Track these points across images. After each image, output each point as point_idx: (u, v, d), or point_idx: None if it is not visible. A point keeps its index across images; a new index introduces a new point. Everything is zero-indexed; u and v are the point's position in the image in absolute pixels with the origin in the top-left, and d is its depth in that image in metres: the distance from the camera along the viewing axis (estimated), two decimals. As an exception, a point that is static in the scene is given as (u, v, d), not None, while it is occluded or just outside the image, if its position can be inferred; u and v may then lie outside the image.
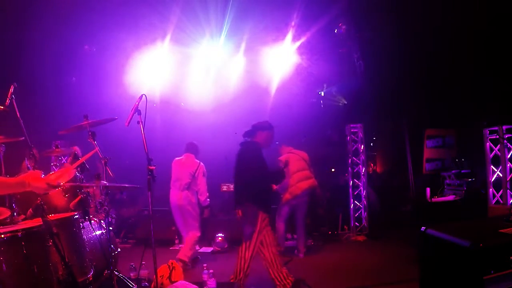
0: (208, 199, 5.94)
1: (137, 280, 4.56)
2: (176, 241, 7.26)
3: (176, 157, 6.03)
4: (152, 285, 4.30)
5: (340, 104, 9.83)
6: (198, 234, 5.87)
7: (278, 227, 6.27)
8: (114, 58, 8.07)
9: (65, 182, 3.72)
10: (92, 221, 4.15)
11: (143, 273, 4.81)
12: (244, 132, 4.68)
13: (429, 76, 7.91)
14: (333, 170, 10.38)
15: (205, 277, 4.64)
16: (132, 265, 4.89)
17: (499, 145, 6.13)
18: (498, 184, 6.21)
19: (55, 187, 2.69)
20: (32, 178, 2.58)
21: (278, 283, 4.32)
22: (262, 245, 4.34)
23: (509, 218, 2.78)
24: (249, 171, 4.38)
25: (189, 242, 5.78)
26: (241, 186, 4.49)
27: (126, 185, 4.08)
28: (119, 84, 8.17)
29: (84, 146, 5.28)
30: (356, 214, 7.85)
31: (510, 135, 6.02)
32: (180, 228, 6.03)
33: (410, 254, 5.39)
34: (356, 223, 7.79)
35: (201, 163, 5.92)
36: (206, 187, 5.90)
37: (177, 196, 5.79)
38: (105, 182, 3.87)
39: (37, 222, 3.00)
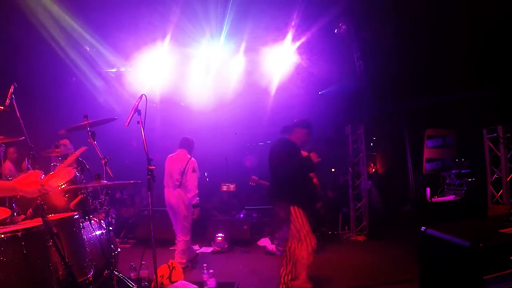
0: (197, 198, 5.55)
1: (137, 280, 4.56)
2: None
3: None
4: (152, 285, 4.30)
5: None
6: (187, 238, 5.60)
7: None
8: (114, 58, 8.08)
9: (65, 184, 3.74)
10: (92, 221, 4.16)
11: (143, 273, 4.81)
12: (282, 128, 4.56)
13: (429, 76, 7.91)
14: (333, 170, 10.38)
15: (205, 277, 4.65)
16: (132, 265, 4.90)
17: (499, 145, 6.13)
18: (498, 184, 6.21)
19: (50, 190, 2.68)
20: (23, 184, 2.57)
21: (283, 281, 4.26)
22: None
23: (509, 218, 2.79)
24: (278, 168, 4.27)
25: (179, 249, 5.58)
26: (272, 183, 4.49)
27: (127, 182, 4.06)
28: (119, 84, 8.18)
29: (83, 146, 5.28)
30: (356, 214, 7.85)
31: (510, 135, 6.02)
32: (174, 227, 5.80)
33: (410, 254, 5.38)
34: (356, 223, 7.79)
35: (192, 159, 5.63)
36: (195, 184, 5.52)
37: (169, 194, 5.57)
38: (105, 182, 3.86)
39: (37, 222, 3.00)
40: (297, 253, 4.19)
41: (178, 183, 5.52)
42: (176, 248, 5.74)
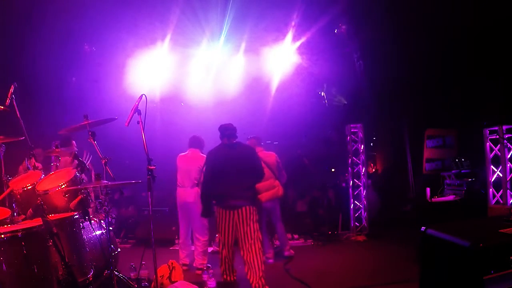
0: None
1: (137, 280, 4.56)
2: (176, 241, 7.24)
3: (179, 153, 5.75)
4: (152, 285, 4.30)
5: (341, 103, 9.83)
6: (206, 238, 5.60)
7: None
8: (114, 58, 8.07)
9: (64, 184, 3.74)
10: (92, 221, 4.16)
11: (143, 273, 4.81)
12: (229, 133, 4.94)
13: (429, 76, 7.91)
14: (333, 170, 10.37)
15: (205, 277, 4.65)
16: (132, 265, 4.89)
17: (499, 145, 6.13)
18: (498, 184, 6.21)
19: None
20: None
21: None
22: None
23: (509, 218, 2.78)
24: (259, 171, 4.73)
25: (199, 250, 5.53)
26: (243, 184, 4.60)
27: (127, 182, 4.05)
28: (119, 84, 8.18)
29: (84, 146, 5.30)
30: (356, 214, 7.84)
31: (510, 135, 6.02)
32: (185, 228, 5.68)
33: (410, 254, 5.38)
34: (356, 223, 7.78)
35: None
36: None
37: (186, 193, 5.50)
38: (105, 181, 3.86)
39: (37, 222, 3.00)
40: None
41: (197, 182, 5.49)
42: (194, 249, 5.67)
